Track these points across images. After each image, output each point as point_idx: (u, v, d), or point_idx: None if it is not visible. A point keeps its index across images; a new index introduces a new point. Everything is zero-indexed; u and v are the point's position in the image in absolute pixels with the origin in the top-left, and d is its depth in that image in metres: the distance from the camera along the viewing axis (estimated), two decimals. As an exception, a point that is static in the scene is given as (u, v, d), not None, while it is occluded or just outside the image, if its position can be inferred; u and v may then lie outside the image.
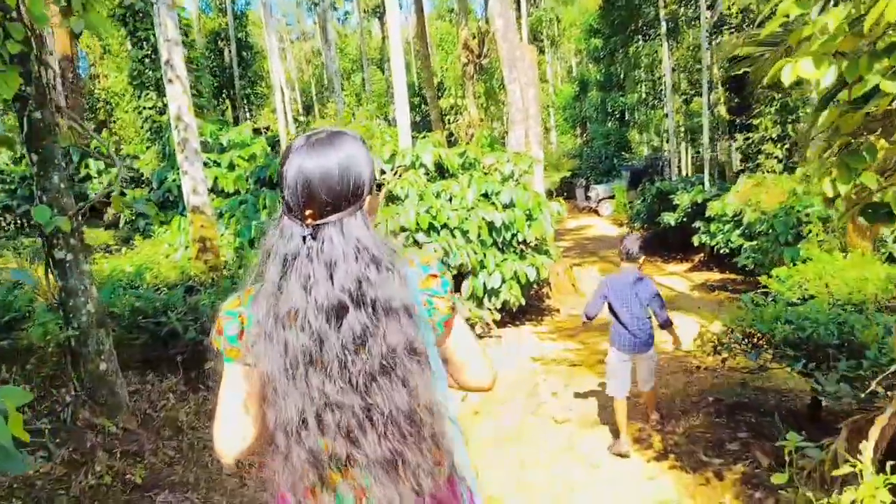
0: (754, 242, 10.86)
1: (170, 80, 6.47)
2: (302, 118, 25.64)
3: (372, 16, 40.22)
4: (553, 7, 27.56)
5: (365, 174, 1.37)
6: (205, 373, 5.04)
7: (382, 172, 8.42)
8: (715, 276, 15.06)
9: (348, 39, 46.01)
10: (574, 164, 32.14)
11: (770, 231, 9.49)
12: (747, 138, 15.27)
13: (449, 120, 17.97)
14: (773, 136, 13.66)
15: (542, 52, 30.89)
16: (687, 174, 25.76)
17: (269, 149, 11.36)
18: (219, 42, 25.37)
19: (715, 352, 4.95)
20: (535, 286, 9.37)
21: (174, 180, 10.37)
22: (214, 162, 10.77)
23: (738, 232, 11.96)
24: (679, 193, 16.78)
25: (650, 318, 4.78)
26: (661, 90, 28.55)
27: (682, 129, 24.49)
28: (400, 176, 8.50)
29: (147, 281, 6.46)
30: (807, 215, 8.83)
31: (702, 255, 16.71)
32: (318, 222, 1.33)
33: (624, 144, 30.04)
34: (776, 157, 13.68)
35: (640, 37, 27.25)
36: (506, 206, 8.55)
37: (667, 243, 17.84)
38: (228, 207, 8.76)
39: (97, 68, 17.04)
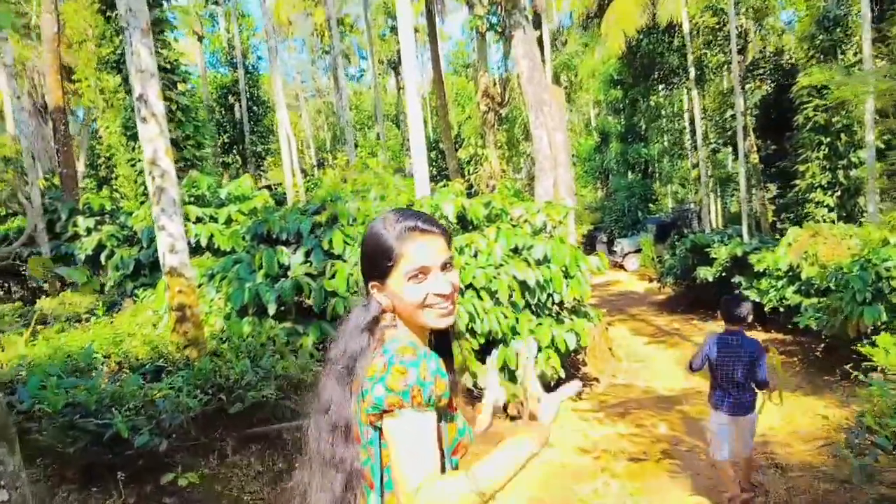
0: (816, 300, 9.54)
1: (143, 119, 5.44)
2: (314, 173, 24.92)
3: (387, 69, 39.94)
4: (577, 51, 26.84)
5: (363, 265, 1.59)
6: (163, 488, 3.81)
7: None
8: (760, 336, 13.72)
9: (363, 96, 45.87)
10: (595, 217, 31.00)
11: (843, 288, 8.19)
12: (792, 185, 14.09)
13: (468, 171, 17.02)
14: (823, 182, 12.48)
15: (568, 98, 30.22)
16: (716, 227, 24.51)
17: (272, 203, 10.32)
18: (229, 97, 24.88)
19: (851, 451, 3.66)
20: (571, 354, 8.10)
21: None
22: (211, 217, 9.72)
23: (793, 288, 10.66)
24: (715, 247, 15.60)
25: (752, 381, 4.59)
26: (685, 140, 27.60)
27: (711, 179, 23.37)
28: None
29: (111, 360, 5.30)
30: (887, 269, 7.56)
31: (743, 312, 15.46)
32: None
33: (648, 197, 28.93)
34: (827, 206, 12.46)
35: (662, 85, 26.48)
36: (539, 263, 7.37)
37: (702, 300, 16.63)
38: (221, 268, 7.64)
39: (98, 122, 16.33)
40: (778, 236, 15.94)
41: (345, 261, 7.10)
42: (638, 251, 25.10)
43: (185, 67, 13.13)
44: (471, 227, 7.91)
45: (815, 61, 12.43)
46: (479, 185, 15.65)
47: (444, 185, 8.60)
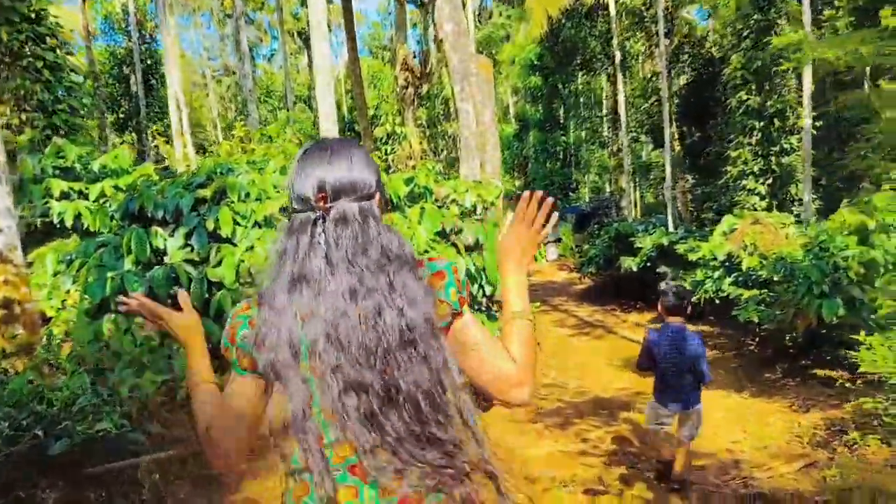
0: (757, 292, 8.96)
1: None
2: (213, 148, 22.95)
3: (301, 48, 37.79)
4: (504, 24, 25.92)
5: (372, 178, 1.44)
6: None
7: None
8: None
9: (275, 77, 43.63)
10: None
11: (790, 279, 7.57)
12: (716, 174, 13.69)
13: (385, 151, 15.79)
14: (755, 169, 12.04)
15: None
16: (635, 217, 24.33)
17: (156, 177, 8.80)
18: (124, 68, 22.56)
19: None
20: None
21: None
22: (80, 193, 8.13)
23: (730, 279, 10.10)
24: (640, 236, 15.12)
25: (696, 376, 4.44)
26: (605, 128, 27.34)
27: (631, 168, 23.12)
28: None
29: None
30: (844, 259, 6.97)
31: (666, 304, 15.07)
32: (329, 204, 1.38)
33: (567, 186, 28.53)
34: (758, 194, 12.04)
35: (583, 72, 26.06)
36: (469, 249, 6.33)
37: (625, 291, 16.08)
38: (81, 253, 6.18)
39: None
40: (702, 227, 15.63)
41: (234, 244, 5.82)
42: (557, 241, 24.62)
43: (57, 21, 11.25)
44: (389, 207, 6.77)
45: (750, 42, 11.96)
46: (398, 165, 14.53)
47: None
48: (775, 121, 11.79)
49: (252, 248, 5.66)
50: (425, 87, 14.66)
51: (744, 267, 9.15)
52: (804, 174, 10.58)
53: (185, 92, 11.39)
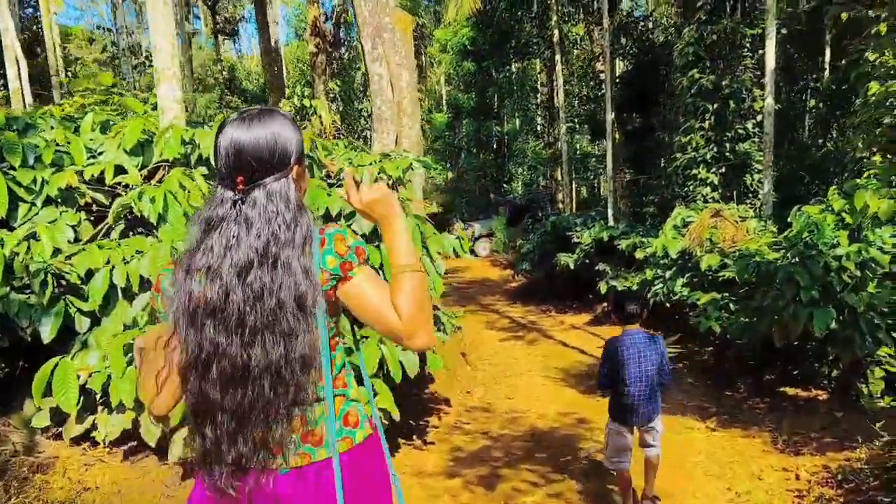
0: (717, 295, 7.59)
1: None
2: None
3: None
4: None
5: (291, 145, 1.54)
6: None
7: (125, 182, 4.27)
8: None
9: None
10: (446, 198, 28.75)
11: (776, 283, 6.16)
12: (665, 163, 12.41)
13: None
14: (707, 157, 10.74)
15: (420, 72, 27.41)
16: (571, 211, 23.10)
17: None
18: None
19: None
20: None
21: None
22: None
23: (682, 280, 8.74)
24: (578, 230, 13.81)
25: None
26: (540, 118, 26.02)
27: (566, 158, 21.85)
28: (157, 180, 4.38)
29: None
30: (836, 259, 5.61)
31: (605, 304, 13.75)
32: (247, 188, 1.49)
33: (501, 177, 27.06)
34: (710, 184, 10.74)
35: (517, 59, 24.64)
36: (366, 240, 4.63)
37: (561, 290, 14.71)
38: None
39: None
40: (642, 222, 14.36)
41: (12, 228, 3.96)
42: (490, 235, 23.18)
43: None
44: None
45: (703, 14, 10.66)
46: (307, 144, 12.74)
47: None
48: (731, 103, 10.50)
49: (35, 235, 3.81)
50: (344, 55, 12.87)
51: (702, 266, 7.76)
52: (763, 162, 9.30)
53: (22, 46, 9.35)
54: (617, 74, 18.86)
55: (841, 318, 5.55)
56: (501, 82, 25.30)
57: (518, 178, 28.80)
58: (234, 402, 1.42)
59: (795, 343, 6.11)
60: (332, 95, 12.66)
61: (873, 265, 5.60)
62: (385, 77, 7.95)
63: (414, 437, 5.72)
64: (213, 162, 1.53)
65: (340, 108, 13.86)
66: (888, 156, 5.41)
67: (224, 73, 29.23)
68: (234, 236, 1.44)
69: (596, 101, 19.10)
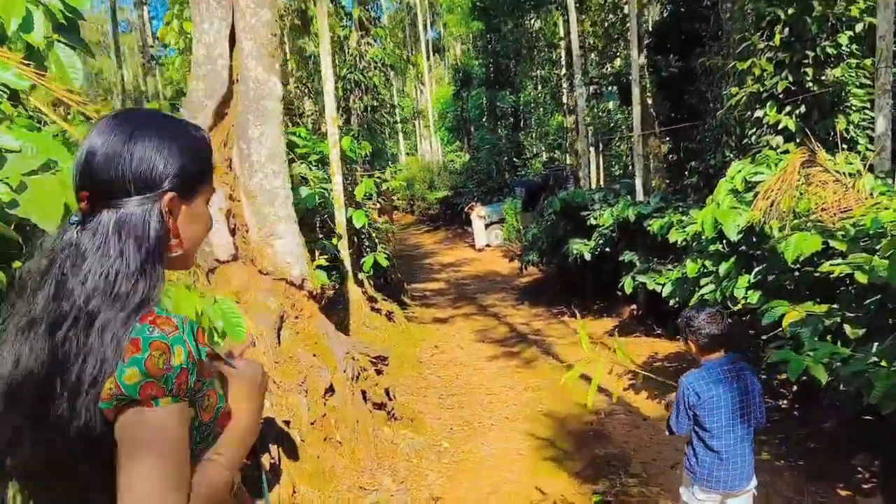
0: (815, 309, 4.04)
1: None
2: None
3: None
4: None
5: (168, 166, 1.14)
6: None
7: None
8: (670, 347, 8.58)
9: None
10: (457, 180, 25.36)
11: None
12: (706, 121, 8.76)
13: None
14: (778, 90, 7.08)
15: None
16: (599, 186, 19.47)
17: None
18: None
19: None
20: None
21: None
22: None
23: (748, 278, 5.18)
24: (596, 208, 10.42)
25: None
26: (561, 82, 22.35)
27: (591, 128, 18.22)
28: None
29: None
30: None
31: (634, 306, 10.25)
32: (92, 207, 1.11)
33: (518, 154, 23.52)
34: (784, 130, 7.10)
35: (533, 14, 21.11)
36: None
37: (577, 286, 11.65)
38: None
39: None
40: (685, 199, 10.69)
41: None
42: (502, 221, 19.79)
43: None
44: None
45: None
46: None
47: None
48: (814, 4, 6.84)
49: None
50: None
51: (787, 254, 4.21)
52: (879, 86, 5.67)
53: None
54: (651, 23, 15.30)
55: None
56: (515, 43, 21.87)
57: (539, 155, 25.24)
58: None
59: None
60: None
61: None
62: (212, 35, 4.60)
63: None
64: None
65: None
66: None
67: None
68: (62, 273, 1.08)
69: (623, 42, 15.55)
